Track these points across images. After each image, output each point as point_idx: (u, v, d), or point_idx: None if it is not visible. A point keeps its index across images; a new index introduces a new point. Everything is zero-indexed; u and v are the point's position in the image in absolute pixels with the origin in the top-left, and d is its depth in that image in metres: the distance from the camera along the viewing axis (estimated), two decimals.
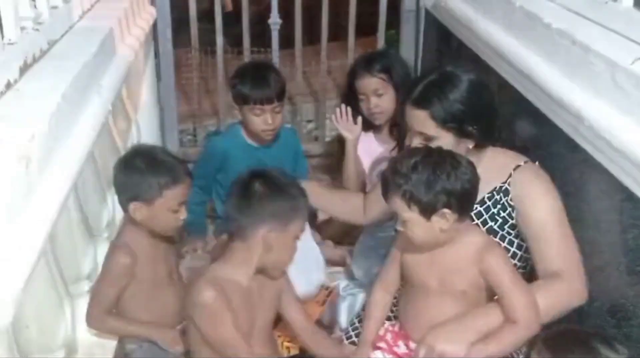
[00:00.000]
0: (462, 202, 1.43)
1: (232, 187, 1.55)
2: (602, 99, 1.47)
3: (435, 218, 1.41)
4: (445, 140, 1.57)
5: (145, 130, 2.72)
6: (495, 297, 1.48)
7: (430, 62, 2.86)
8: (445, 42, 2.61)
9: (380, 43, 3.02)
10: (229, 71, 2.71)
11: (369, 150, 2.37)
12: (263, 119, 2.18)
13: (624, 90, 1.40)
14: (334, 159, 2.70)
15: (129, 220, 1.69)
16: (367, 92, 2.25)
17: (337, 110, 2.34)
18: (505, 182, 1.60)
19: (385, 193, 1.46)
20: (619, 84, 1.42)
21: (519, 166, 1.61)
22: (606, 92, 1.46)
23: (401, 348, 1.56)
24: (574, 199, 1.63)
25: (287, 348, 1.81)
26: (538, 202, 1.57)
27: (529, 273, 1.64)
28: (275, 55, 2.96)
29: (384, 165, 2.26)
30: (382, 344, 1.59)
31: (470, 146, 1.60)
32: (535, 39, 1.80)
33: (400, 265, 1.58)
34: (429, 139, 1.58)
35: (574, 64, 1.60)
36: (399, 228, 1.46)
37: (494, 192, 1.62)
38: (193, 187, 2.39)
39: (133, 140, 2.55)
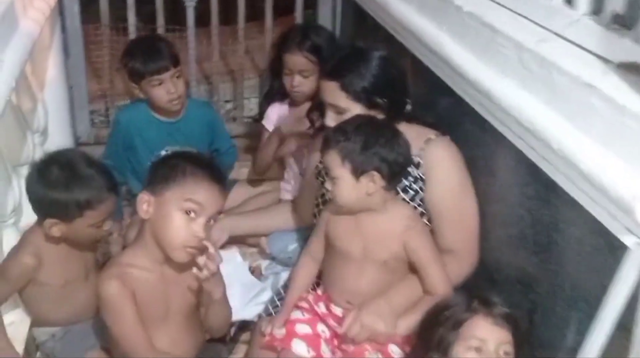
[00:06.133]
0: (393, 171, 1.49)
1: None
2: (510, 78, 1.55)
3: (364, 179, 1.46)
4: (356, 111, 1.62)
5: (53, 110, 2.57)
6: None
7: (347, 42, 2.88)
8: (362, 23, 2.64)
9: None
10: None
11: (282, 118, 2.34)
12: (165, 89, 2.13)
13: (530, 69, 1.48)
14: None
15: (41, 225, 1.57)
16: (292, 69, 2.22)
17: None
18: (416, 155, 1.66)
19: (324, 148, 1.51)
20: (525, 64, 1.49)
21: (430, 139, 1.68)
22: (513, 71, 1.53)
23: (321, 309, 1.60)
24: (483, 174, 1.71)
25: None
26: (441, 180, 1.65)
27: None
28: (191, 33, 2.87)
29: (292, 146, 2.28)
30: (303, 303, 1.62)
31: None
32: (446, 21, 1.85)
33: (326, 232, 1.60)
34: (340, 111, 1.63)
35: (482, 44, 1.67)
36: (328, 186, 1.50)
37: None
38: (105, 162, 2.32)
39: (39, 120, 2.42)
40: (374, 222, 1.53)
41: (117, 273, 1.44)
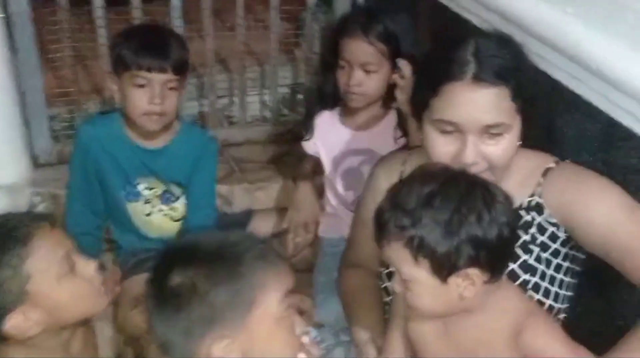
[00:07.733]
0: (496, 256, 1.01)
1: (146, 287, 0.98)
2: None
3: (454, 280, 1.00)
4: (517, 131, 1.15)
5: None
6: None
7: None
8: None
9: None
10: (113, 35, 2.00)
11: (329, 135, 1.77)
12: (148, 95, 1.56)
13: None
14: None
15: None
16: (352, 59, 1.62)
17: None
18: (533, 195, 1.20)
19: (380, 237, 1.04)
20: None
21: (549, 169, 1.21)
22: None
23: None
24: None
25: None
26: (592, 200, 1.15)
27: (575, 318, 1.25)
28: (177, 8, 2.22)
29: (351, 161, 1.74)
30: None
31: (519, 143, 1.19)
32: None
33: (405, 334, 1.17)
34: (501, 131, 1.12)
35: None
36: (397, 288, 1.06)
37: (521, 212, 1.20)
38: (75, 204, 1.71)
39: None
40: (470, 325, 1.08)
41: None
